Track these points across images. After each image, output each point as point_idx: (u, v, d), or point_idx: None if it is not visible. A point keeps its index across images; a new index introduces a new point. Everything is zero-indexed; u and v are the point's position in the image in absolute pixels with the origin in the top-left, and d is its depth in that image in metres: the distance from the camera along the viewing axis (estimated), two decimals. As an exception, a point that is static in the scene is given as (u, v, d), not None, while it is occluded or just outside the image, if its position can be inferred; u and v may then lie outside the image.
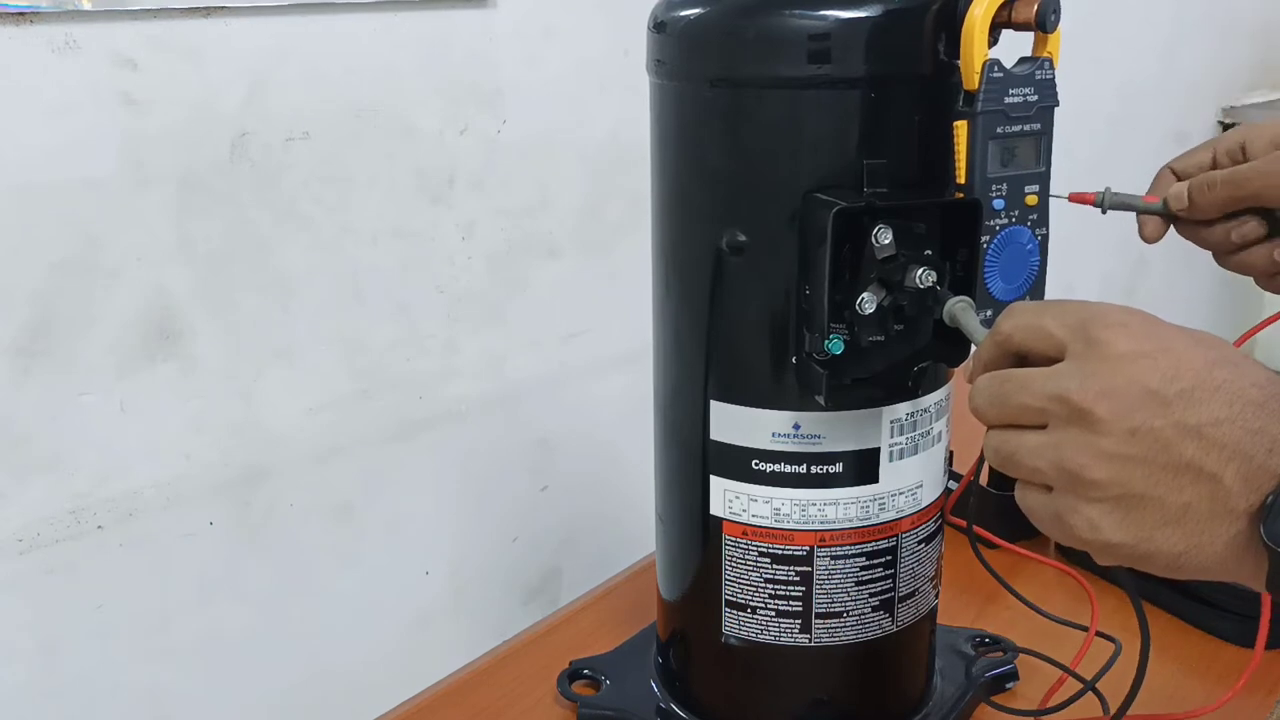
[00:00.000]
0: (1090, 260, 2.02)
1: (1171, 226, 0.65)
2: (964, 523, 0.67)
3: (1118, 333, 0.45)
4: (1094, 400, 0.44)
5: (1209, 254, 0.67)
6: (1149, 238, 0.65)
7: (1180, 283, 2.24)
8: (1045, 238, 0.58)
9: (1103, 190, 0.63)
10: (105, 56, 0.80)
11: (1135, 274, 2.20)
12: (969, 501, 0.68)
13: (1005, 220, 0.56)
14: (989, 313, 0.56)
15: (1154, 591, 0.78)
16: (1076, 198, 0.60)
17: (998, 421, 0.48)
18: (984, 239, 0.56)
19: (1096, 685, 0.66)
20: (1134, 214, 0.65)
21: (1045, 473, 0.46)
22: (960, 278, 0.55)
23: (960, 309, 0.54)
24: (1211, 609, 0.78)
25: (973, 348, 0.57)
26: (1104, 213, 0.64)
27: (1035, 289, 0.58)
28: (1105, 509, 0.44)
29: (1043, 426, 0.46)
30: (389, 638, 1.09)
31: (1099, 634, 0.69)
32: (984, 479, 0.88)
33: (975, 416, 0.49)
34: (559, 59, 1.08)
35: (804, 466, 0.60)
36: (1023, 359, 0.48)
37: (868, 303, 0.54)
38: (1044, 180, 0.57)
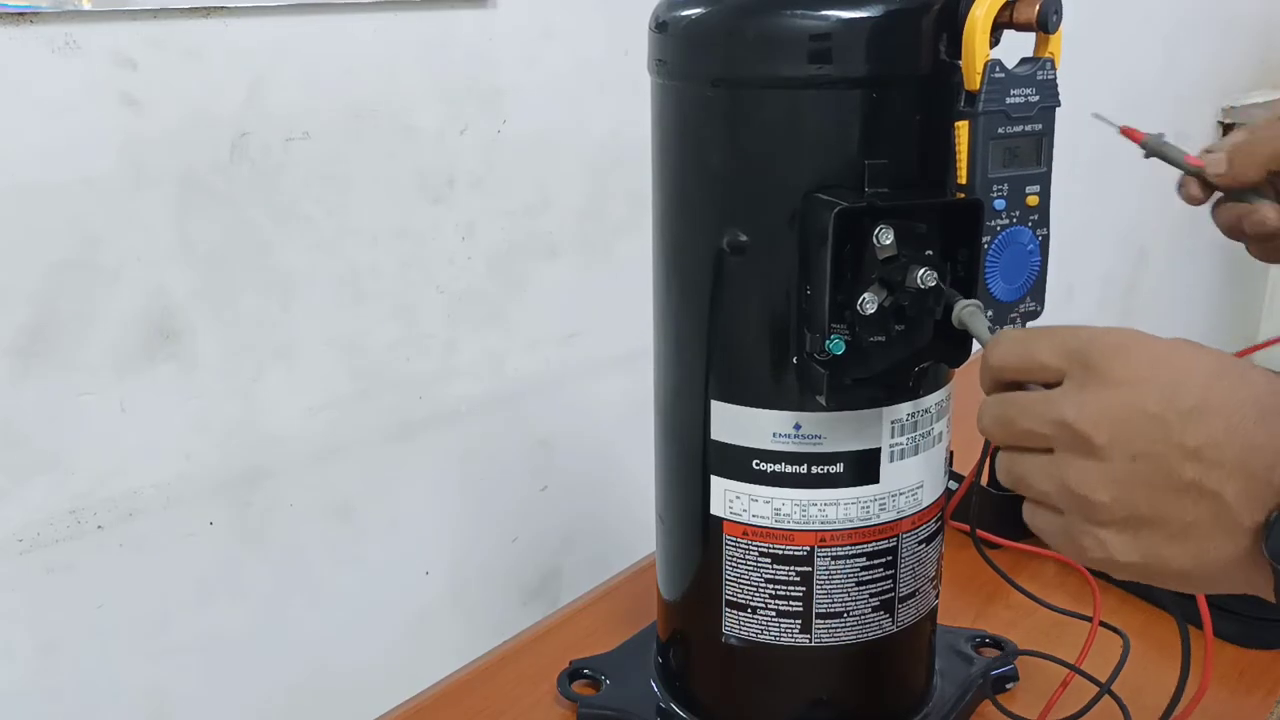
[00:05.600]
0: (1091, 259, 2.02)
1: (1211, 205, 0.64)
2: (966, 526, 0.67)
3: (1115, 357, 0.45)
4: (1093, 427, 0.44)
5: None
6: (1188, 199, 0.64)
7: (1181, 280, 2.24)
8: (1046, 238, 0.58)
9: (1154, 134, 0.63)
10: (105, 56, 0.80)
11: (1136, 272, 2.20)
12: (971, 502, 0.68)
13: (1006, 220, 0.56)
14: (989, 313, 0.56)
15: (1152, 591, 0.78)
16: (1128, 131, 0.61)
17: (1005, 443, 0.48)
18: (985, 239, 0.56)
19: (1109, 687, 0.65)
20: (1155, 190, 0.64)
21: (1052, 495, 0.46)
22: (961, 278, 0.55)
23: (969, 313, 0.54)
24: (1211, 609, 0.78)
25: (974, 345, 0.57)
26: (1145, 156, 0.63)
27: (1036, 289, 0.58)
28: (1113, 531, 0.45)
29: (1048, 450, 0.46)
30: (389, 638, 1.09)
31: (1102, 624, 0.69)
32: (984, 479, 0.88)
33: (984, 436, 0.50)
34: (559, 59, 1.08)
35: (804, 467, 0.60)
36: (1020, 386, 0.49)
37: (869, 303, 0.54)
38: (1045, 181, 0.57)
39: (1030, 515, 0.48)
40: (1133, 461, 0.44)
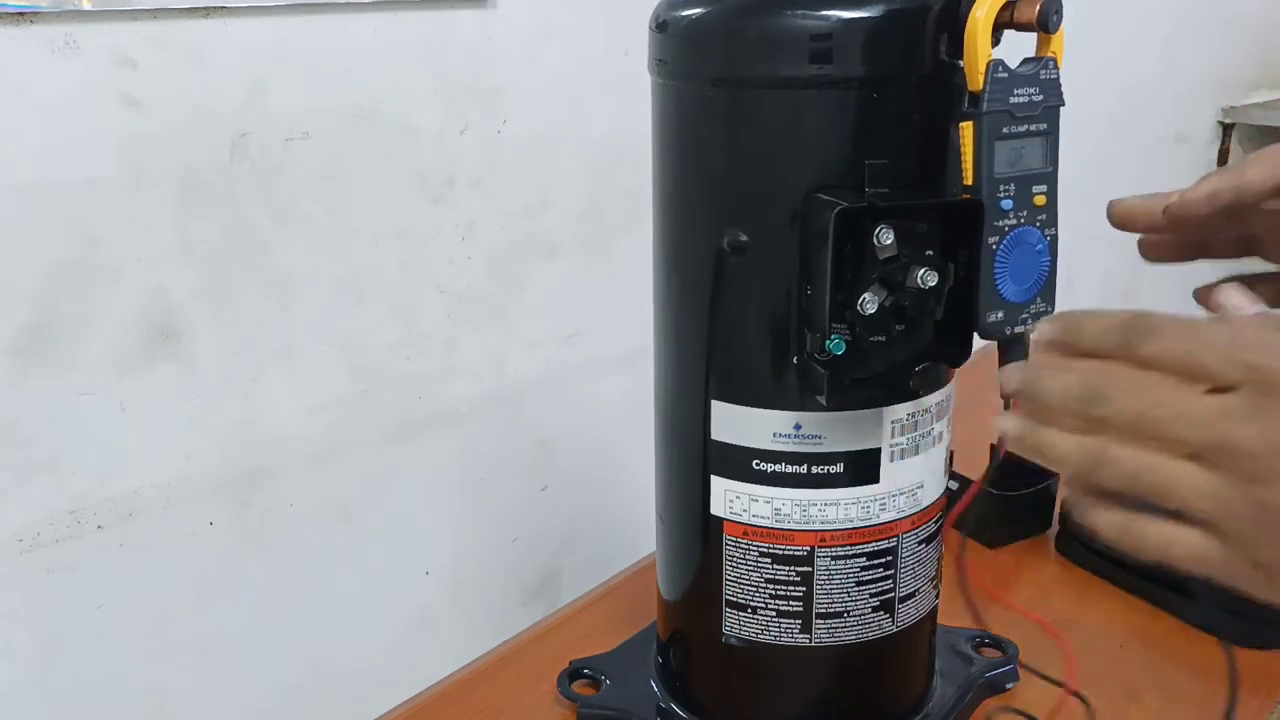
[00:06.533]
0: (1091, 259, 2.01)
1: None
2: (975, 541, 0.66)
3: None
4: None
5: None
6: None
7: (1181, 281, 2.23)
8: (1055, 238, 0.57)
9: None
10: (105, 56, 0.80)
11: (1136, 272, 2.20)
12: (975, 511, 0.67)
13: (1014, 221, 0.56)
14: (1000, 314, 0.56)
15: (1153, 592, 0.78)
16: None
17: (1139, 441, 0.43)
18: (993, 240, 0.55)
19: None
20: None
21: (1213, 515, 0.41)
22: (962, 278, 0.55)
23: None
24: (1211, 608, 0.78)
25: (976, 342, 0.56)
26: None
27: (1046, 289, 0.58)
28: None
29: (1189, 459, 0.41)
30: (389, 638, 1.09)
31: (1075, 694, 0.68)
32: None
33: (1103, 412, 0.43)
34: (559, 59, 1.08)
35: (805, 467, 0.60)
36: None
37: (869, 303, 0.54)
38: (1051, 180, 0.57)
39: (1188, 538, 0.42)
40: None
